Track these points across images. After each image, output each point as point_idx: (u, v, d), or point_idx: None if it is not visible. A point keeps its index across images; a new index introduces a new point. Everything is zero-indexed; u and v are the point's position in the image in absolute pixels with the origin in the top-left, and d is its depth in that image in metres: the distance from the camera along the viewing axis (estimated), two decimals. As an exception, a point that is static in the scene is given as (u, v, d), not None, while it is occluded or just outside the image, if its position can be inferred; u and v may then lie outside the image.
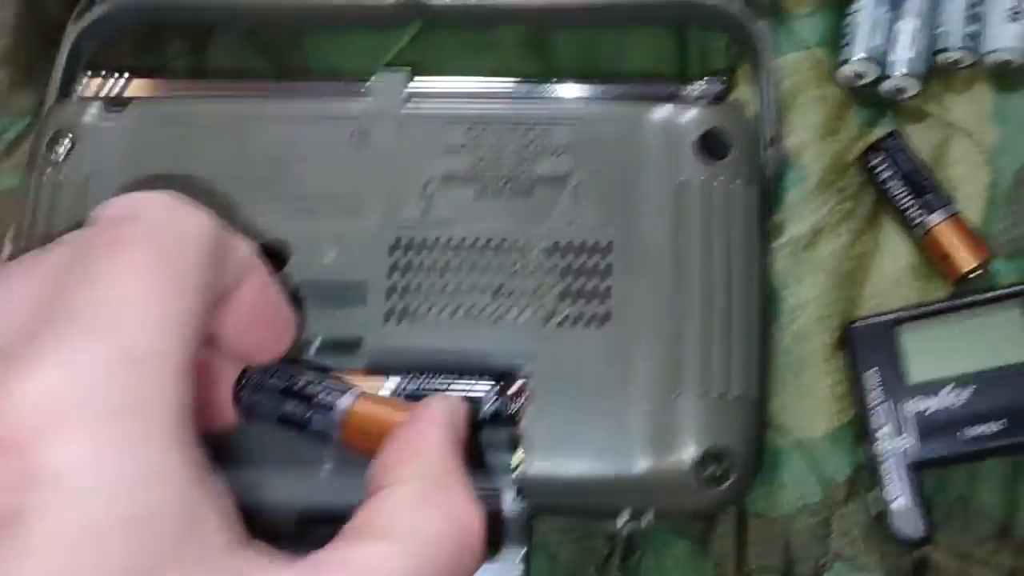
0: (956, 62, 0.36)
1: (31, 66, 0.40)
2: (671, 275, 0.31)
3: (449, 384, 0.31)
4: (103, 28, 0.37)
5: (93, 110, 0.34)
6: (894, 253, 0.36)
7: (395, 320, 0.32)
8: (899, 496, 0.32)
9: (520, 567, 0.31)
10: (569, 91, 0.35)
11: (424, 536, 0.20)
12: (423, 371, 0.31)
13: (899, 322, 0.33)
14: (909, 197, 0.35)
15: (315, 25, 0.38)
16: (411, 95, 0.34)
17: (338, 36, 0.39)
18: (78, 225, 0.21)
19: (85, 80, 0.35)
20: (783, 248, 0.36)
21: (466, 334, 0.31)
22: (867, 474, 0.33)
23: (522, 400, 0.31)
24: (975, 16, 0.36)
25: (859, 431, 0.34)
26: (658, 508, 0.30)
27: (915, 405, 0.32)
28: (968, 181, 0.36)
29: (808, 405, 0.35)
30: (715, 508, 0.31)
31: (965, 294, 0.34)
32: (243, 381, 0.26)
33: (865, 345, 0.33)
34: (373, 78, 0.34)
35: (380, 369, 0.31)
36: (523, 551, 0.31)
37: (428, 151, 0.33)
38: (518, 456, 0.30)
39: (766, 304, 0.34)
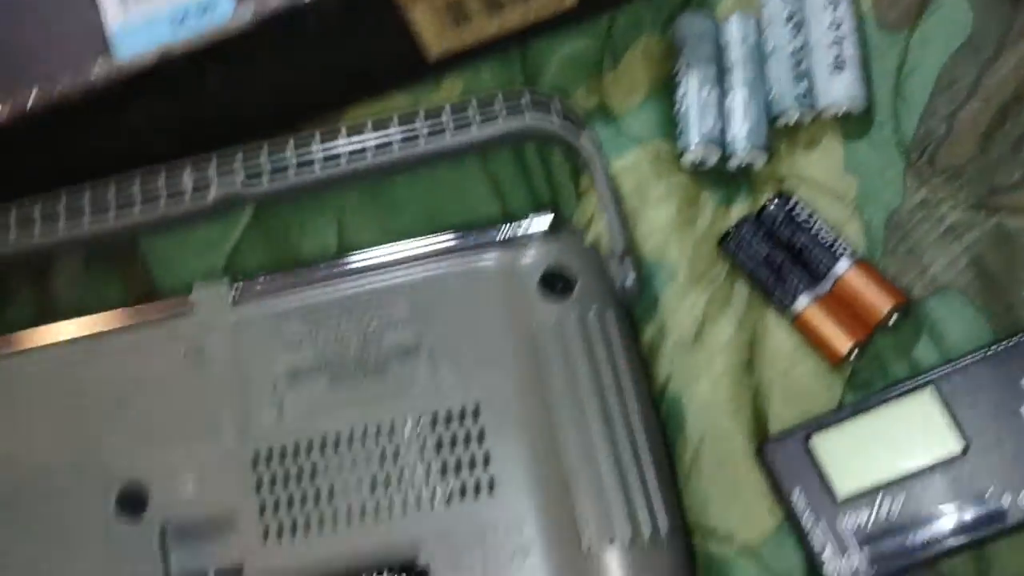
0: (796, 123, 0.35)
1: None
2: (546, 429, 0.29)
3: None
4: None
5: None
6: (784, 330, 0.34)
7: (275, 539, 0.29)
8: None
9: None
10: (397, 255, 0.33)
11: None
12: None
13: (811, 434, 0.31)
14: (772, 282, 0.34)
15: (147, 234, 0.37)
16: (236, 299, 0.32)
17: (174, 234, 0.37)
18: None
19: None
20: (670, 352, 0.34)
21: (352, 537, 0.29)
22: None
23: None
24: (801, 74, 0.35)
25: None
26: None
27: (851, 521, 0.30)
28: (841, 236, 0.35)
29: (743, 506, 0.33)
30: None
31: (869, 393, 0.32)
32: None
33: (783, 464, 0.31)
34: (193, 291, 0.32)
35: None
36: None
37: (267, 352, 0.31)
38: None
39: (658, 421, 0.32)
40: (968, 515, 0.30)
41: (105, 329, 0.33)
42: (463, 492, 0.29)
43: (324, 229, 0.37)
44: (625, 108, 0.37)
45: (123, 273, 0.37)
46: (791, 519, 0.31)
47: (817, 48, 0.35)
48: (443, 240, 0.33)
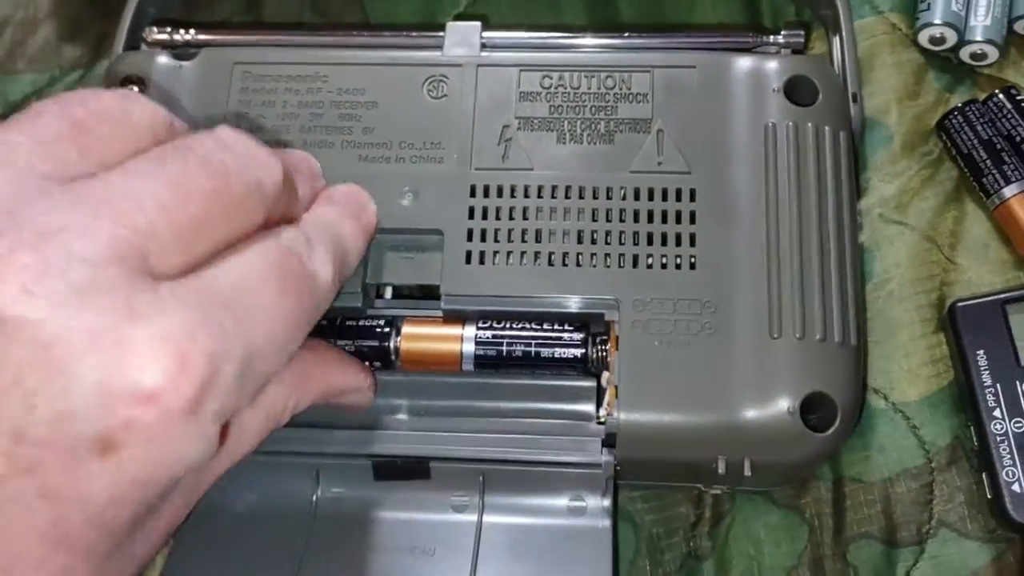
0: None
1: (77, 20, 0.40)
2: (763, 219, 0.30)
3: (532, 333, 0.30)
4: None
5: (163, 58, 0.33)
6: (981, 218, 0.35)
7: (476, 264, 0.30)
8: (1016, 480, 0.30)
9: (607, 521, 0.29)
10: (643, 42, 0.34)
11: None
12: (502, 319, 0.30)
13: (1008, 302, 0.32)
14: (985, 167, 0.34)
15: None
16: (484, 44, 0.33)
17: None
18: None
19: (151, 32, 0.35)
20: (872, 210, 0.35)
21: (549, 280, 0.30)
22: (973, 457, 0.32)
23: (610, 347, 0.29)
24: None
25: (961, 403, 0.32)
26: (756, 458, 0.28)
27: None
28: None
29: (905, 368, 0.33)
30: (815, 458, 0.29)
31: None
32: None
33: (972, 325, 0.32)
34: (447, 28, 0.33)
35: (458, 315, 0.30)
36: (608, 503, 0.30)
37: (504, 99, 0.32)
38: (606, 405, 0.29)
39: (859, 251, 0.33)
40: None
41: (353, 43, 0.34)
42: (664, 263, 0.30)
43: (542, 19, 0.38)
44: None
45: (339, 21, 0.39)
46: (967, 378, 0.32)
47: (1077, -39, 0.36)
48: (692, 35, 0.34)
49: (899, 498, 0.32)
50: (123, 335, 0.18)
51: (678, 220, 0.31)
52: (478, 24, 0.33)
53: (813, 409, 0.28)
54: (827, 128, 0.31)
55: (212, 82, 0.33)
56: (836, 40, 0.34)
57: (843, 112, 0.32)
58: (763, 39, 0.33)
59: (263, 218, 0.23)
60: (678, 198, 0.31)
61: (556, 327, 0.30)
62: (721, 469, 0.28)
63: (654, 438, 0.28)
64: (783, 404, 0.28)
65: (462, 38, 0.33)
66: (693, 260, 0.30)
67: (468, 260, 0.30)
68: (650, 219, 0.31)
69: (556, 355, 0.30)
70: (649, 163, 0.31)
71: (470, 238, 0.31)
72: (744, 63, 0.32)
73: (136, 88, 0.33)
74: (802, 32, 0.33)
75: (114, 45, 0.35)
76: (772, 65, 0.32)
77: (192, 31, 0.35)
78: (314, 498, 0.30)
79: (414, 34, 0.34)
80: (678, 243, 0.30)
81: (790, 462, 0.29)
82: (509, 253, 0.30)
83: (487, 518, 0.30)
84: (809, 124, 0.31)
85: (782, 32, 0.34)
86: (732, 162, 0.31)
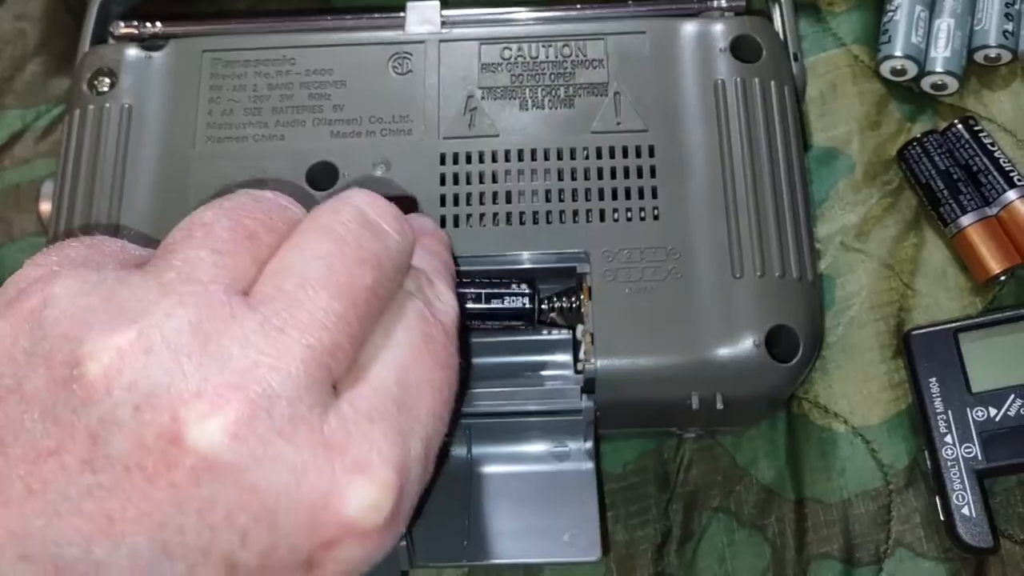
0: (994, 59, 0.38)
1: (66, 54, 0.40)
2: (717, 168, 0.32)
3: (480, 290, 0.31)
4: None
5: (132, 50, 0.34)
6: (940, 245, 0.36)
7: (451, 227, 0.32)
8: (965, 505, 0.32)
9: (590, 463, 0.31)
10: (595, 12, 0.36)
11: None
12: (474, 278, 0.31)
13: (960, 330, 0.33)
14: (942, 196, 0.36)
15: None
16: (444, 21, 0.35)
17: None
18: None
19: (118, 27, 0.36)
20: (834, 238, 0.36)
21: (522, 238, 0.31)
22: (930, 478, 0.33)
23: (583, 298, 0.31)
24: (1011, 14, 0.37)
25: (917, 428, 0.34)
26: (727, 392, 0.30)
27: (979, 414, 0.32)
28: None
29: (864, 393, 0.35)
30: (783, 387, 0.30)
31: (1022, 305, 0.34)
32: None
33: (925, 353, 0.33)
34: (407, 8, 0.35)
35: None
36: (590, 446, 0.31)
37: (467, 71, 0.34)
38: (584, 353, 0.30)
39: (810, 197, 0.34)
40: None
41: (318, 26, 0.35)
42: (629, 216, 0.32)
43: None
44: (835, 11, 0.40)
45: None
46: (920, 404, 0.33)
47: (1033, -9, 0.37)
48: (641, 3, 0.36)
49: (858, 518, 0.33)
50: (321, 469, 0.19)
51: (639, 175, 0.32)
52: (437, 3, 0.35)
53: (777, 342, 0.30)
54: (772, 83, 0.33)
55: (183, 71, 0.34)
56: (776, 6, 0.36)
57: (786, 68, 0.34)
58: (708, 3, 0.35)
59: (402, 284, 0.23)
60: (638, 155, 0.32)
61: (504, 281, 0.31)
62: (695, 405, 0.30)
63: (630, 381, 0.30)
64: (748, 339, 0.30)
65: (423, 17, 0.35)
66: (656, 211, 0.32)
67: (443, 224, 0.32)
68: (612, 175, 0.32)
69: (505, 305, 0.30)
70: (608, 124, 0.33)
71: (443, 203, 0.32)
72: (691, 27, 0.34)
73: (108, 80, 0.33)
74: (743, -4, 0.36)
75: (80, 42, 0.36)
76: (718, 27, 0.34)
77: (159, 23, 0.36)
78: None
79: (376, 15, 0.35)
80: (640, 196, 0.32)
81: (758, 393, 0.30)
82: (482, 215, 0.32)
83: (476, 469, 0.31)
84: (755, 80, 0.33)
85: (724, -4, 0.36)
86: (686, 118, 0.33)
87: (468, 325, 0.30)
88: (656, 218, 0.32)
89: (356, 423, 0.20)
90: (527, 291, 0.30)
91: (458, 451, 0.31)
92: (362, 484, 0.19)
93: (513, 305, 0.30)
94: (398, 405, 0.21)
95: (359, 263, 0.21)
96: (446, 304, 0.24)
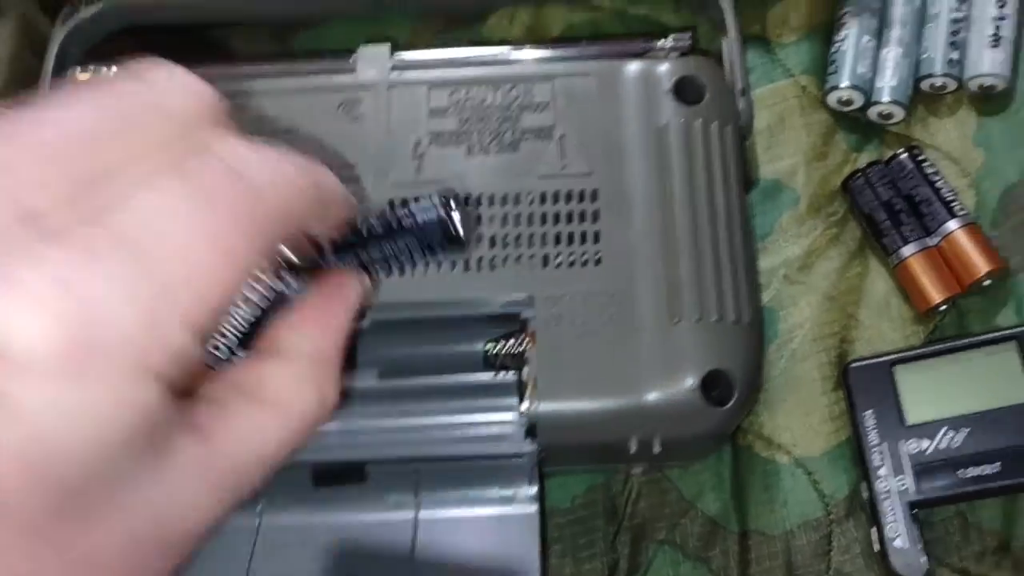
0: (940, 88, 0.38)
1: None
2: (658, 212, 0.32)
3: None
4: (88, 30, 0.38)
5: (87, 96, 0.35)
6: (884, 275, 0.36)
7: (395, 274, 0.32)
8: (898, 536, 0.32)
9: (534, 507, 0.32)
10: (543, 54, 0.36)
11: (301, 409, 0.19)
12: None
13: (896, 363, 0.34)
14: (885, 227, 0.36)
15: (298, 18, 0.40)
16: (394, 65, 0.35)
17: (318, 29, 0.40)
18: None
19: (76, 73, 0.36)
20: (777, 271, 0.37)
21: (467, 284, 0.32)
22: (866, 509, 0.33)
23: (527, 343, 0.31)
24: (957, 43, 0.37)
25: (856, 457, 0.34)
26: (665, 434, 0.31)
27: (912, 446, 0.33)
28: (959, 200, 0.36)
29: (806, 425, 0.35)
30: (719, 429, 0.31)
31: (961, 336, 0.34)
32: None
33: (863, 385, 0.34)
34: (358, 51, 0.35)
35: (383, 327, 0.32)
36: (535, 491, 0.32)
37: (415, 116, 0.34)
38: (528, 397, 0.31)
39: (752, 235, 0.35)
40: (1021, 461, 0.32)
41: (269, 72, 0.36)
42: (572, 261, 0.32)
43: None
44: (783, 41, 0.40)
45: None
46: (857, 437, 0.34)
47: (978, 21, 0.37)
48: (589, 45, 0.36)
49: (799, 549, 0.34)
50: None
51: (582, 219, 0.33)
52: (387, 46, 0.35)
53: (714, 385, 0.31)
54: (715, 123, 0.33)
55: (136, 117, 0.34)
56: (724, 41, 0.37)
57: (730, 107, 0.34)
58: (653, 44, 0.36)
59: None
60: (580, 199, 0.33)
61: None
62: (633, 448, 0.31)
63: (570, 424, 0.31)
64: (685, 383, 0.30)
65: (373, 60, 0.35)
66: (599, 256, 0.32)
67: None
68: (556, 220, 0.33)
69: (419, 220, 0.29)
70: (553, 167, 0.34)
71: (390, 250, 0.33)
72: (635, 68, 0.34)
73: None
74: (689, 35, 0.36)
75: (39, 87, 0.36)
76: (663, 68, 0.34)
77: (115, 67, 0.36)
78: (258, 508, 0.32)
79: (328, 59, 0.36)
80: (583, 240, 0.33)
81: (695, 436, 0.31)
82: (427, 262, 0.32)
83: (423, 514, 0.32)
84: (699, 121, 0.33)
85: (671, 36, 0.36)
86: (630, 161, 0.33)
87: (380, 266, 0.28)
88: (598, 263, 0.32)
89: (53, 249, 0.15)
90: (438, 200, 0.22)
91: (405, 497, 0.32)
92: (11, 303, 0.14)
93: (427, 217, 0.26)
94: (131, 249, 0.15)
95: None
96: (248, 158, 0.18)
